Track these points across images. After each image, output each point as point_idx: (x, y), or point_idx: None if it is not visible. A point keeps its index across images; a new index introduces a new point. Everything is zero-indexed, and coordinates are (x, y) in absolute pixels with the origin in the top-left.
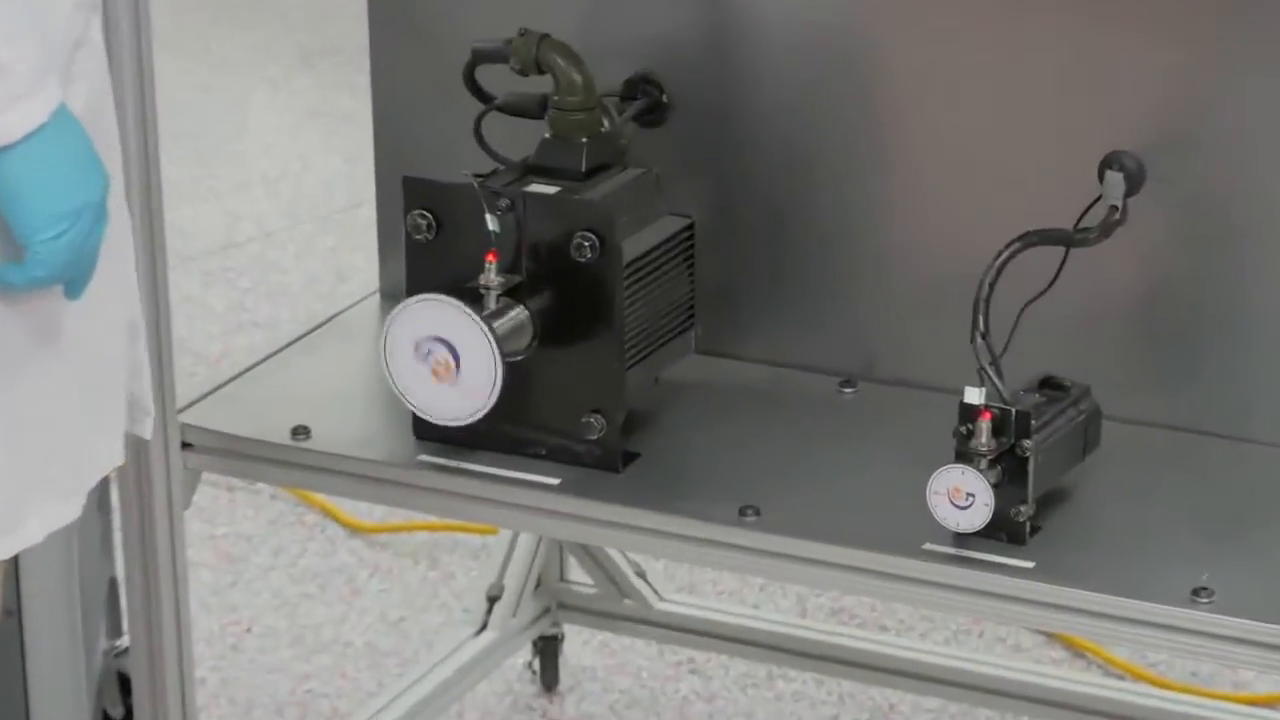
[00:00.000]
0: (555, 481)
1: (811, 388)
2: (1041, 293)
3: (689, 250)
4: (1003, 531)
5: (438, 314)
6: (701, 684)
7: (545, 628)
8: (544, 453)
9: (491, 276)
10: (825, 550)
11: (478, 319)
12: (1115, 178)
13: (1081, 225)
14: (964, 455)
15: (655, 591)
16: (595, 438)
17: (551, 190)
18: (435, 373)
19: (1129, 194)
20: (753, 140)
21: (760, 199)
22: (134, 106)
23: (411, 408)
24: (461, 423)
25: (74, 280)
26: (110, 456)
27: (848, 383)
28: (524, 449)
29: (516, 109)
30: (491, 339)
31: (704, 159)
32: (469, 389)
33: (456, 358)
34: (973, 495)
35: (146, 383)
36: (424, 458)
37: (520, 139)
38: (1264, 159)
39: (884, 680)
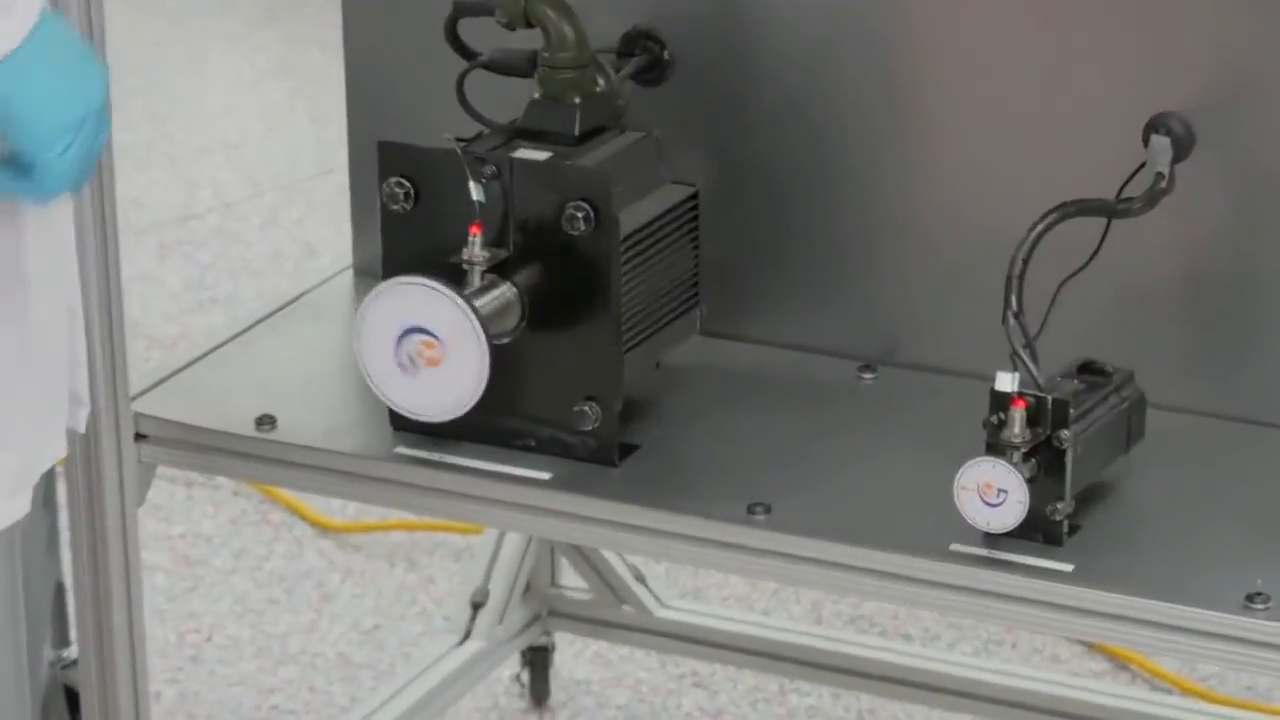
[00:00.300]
0: (546, 476)
1: (827, 373)
2: (1080, 268)
3: (692, 222)
4: (1038, 531)
5: (415, 299)
6: (707, 699)
7: (535, 637)
8: (533, 445)
9: (475, 251)
10: (842, 551)
11: (460, 301)
12: (1161, 142)
13: (1124, 194)
14: (995, 447)
15: (655, 597)
16: (590, 428)
17: (541, 156)
18: (415, 365)
19: (1176, 160)
20: (762, 101)
21: (771, 165)
22: None
23: (392, 405)
24: (446, 417)
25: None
26: (55, 448)
27: (867, 367)
28: (511, 441)
29: (503, 67)
30: (476, 323)
31: (709, 121)
32: (453, 380)
33: (440, 348)
34: (1005, 491)
35: (83, 371)
36: (401, 450)
37: (507, 100)
38: None
39: (907, 694)
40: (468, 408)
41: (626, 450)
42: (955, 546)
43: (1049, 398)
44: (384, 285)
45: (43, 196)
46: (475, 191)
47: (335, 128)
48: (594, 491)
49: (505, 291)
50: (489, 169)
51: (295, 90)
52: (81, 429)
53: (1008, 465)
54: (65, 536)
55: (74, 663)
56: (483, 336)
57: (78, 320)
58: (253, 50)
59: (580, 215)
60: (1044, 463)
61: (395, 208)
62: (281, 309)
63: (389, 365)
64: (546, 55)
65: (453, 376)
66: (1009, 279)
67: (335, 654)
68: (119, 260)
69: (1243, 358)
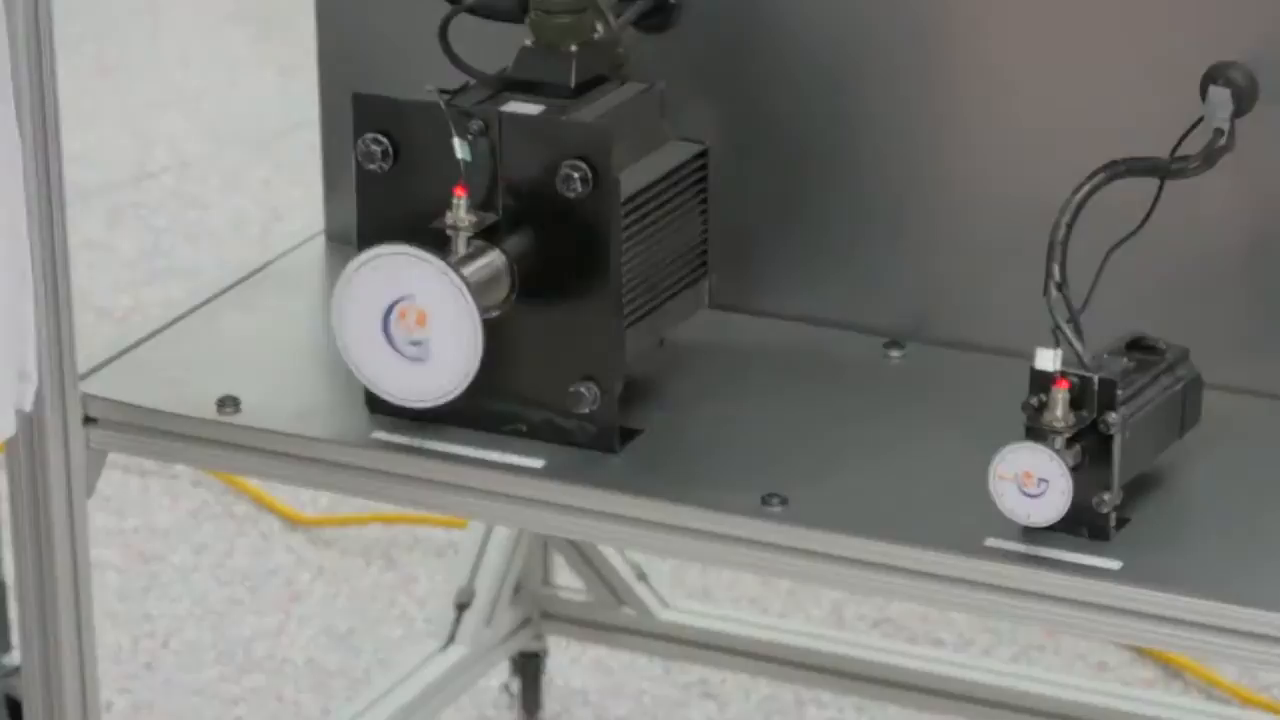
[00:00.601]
0: (539, 464)
1: (850, 350)
2: (1130, 234)
3: (701, 183)
4: (1082, 525)
5: (397, 271)
6: (716, 710)
7: (526, 641)
8: (525, 429)
9: (461, 215)
10: (866, 547)
11: (449, 268)
12: (1221, 94)
13: (1179, 152)
14: (1036, 432)
15: (659, 598)
16: (587, 411)
17: (533, 110)
18: (399, 344)
19: (1237, 114)
20: (778, 49)
21: (788, 121)
22: (24, 4)
23: (378, 391)
24: (435, 403)
25: None
26: (3, 425)
27: (894, 344)
28: (501, 425)
29: (491, 10)
30: (464, 289)
31: (719, 72)
32: (440, 355)
33: (425, 326)
34: (1046, 481)
35: (30, 344)
36: (379, 435)
37: (496, 48)
38: None
39: (938, 705)
40: (460, 390)
41: (628, 435)
42: (991, 542)
43: (1095, 377)
44: (364, 256)
45: None
46: (460, 149)
47: (305, 79)
48: (592, 481)
49: (493, 260)
50: (475, 124)
51: (260, 36)
52: (27, 407)
53: (1049, 452)
54: (6, 531)
55: (16, 670)
56: (475, 310)
57: (26, 287)
58: None
59: (576, 175)
60: (1089, 449)
61: (372, 167)
62: (245, 279)
63: (373, 347)
64: None
65: (440, 356)
66: (1051, 246)
67: (305, 660)
68: (65, 225)
69: None
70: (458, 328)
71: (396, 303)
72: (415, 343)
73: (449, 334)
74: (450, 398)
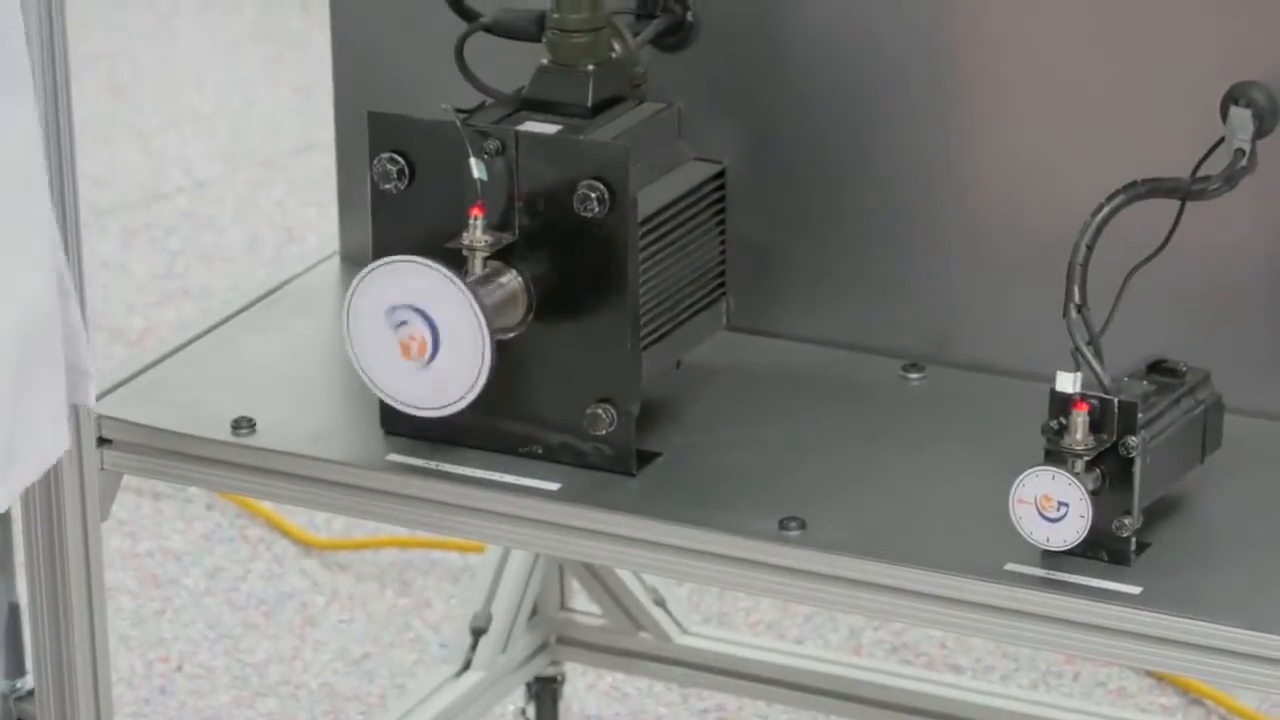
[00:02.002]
0: (555, 487)
1: (869, 372)
2: (1151, 256)
3: (719, 203)
4: (1102, 549)
5: (412, 280)
6: None
7: (542, 667)
8: (541, 452)
9: (477, 235)
10: (884, 571)
11: (460, 285)
12: (1242, 115)
13: (1201, 173)
14: (1055, 456)
15: (676, 623)
16: (604, 433)
17: (550, 129)
18: (408, 351)
19: (1259, 135)
20: (797, 68)
21: (806, 140)
22: (38, 24)
23: (380, 394)
24: (441, 412)
25: None
26: (56, 440)
27: (913, 366)
28: (517, 447)
29: (508, 29)
30: (477, 308)
31: (737, 91)
32: (450, 371)
33: (435, 333)
34: (1066, 505)
35: (83, 343)
36: (394, 457)
37: (513, 67)
38: None
39: None
40: (465, 404)
41: (645, 458)
42: (1010, 566)
43: (1115, 400)
44: (381, 263)
45: None
46: (476, 169)
47: (320, 98)
48: (608, 504)
49: (510, 280)
50: (492, 144)
51: (275, 56)
52: (91, 402)
53: (1069, 475)
54: (19, 555)
55: (30, 694)
56: (483, 322)
57: (68, 289)
58: (227, 11)
59: (593, 195)
60: (1109, 473)
61: (387, 187)
62: (259, 301)
63: (379, 344)
64: (556, 16)
65: (449, 368)
66: (1071, 268)
67: (319, 685)
68: (79, 246)
69: None
70: (469, 345)
71: (409, 311)
72: (426, 351)
73: (460, 351)
74: (462, 405)
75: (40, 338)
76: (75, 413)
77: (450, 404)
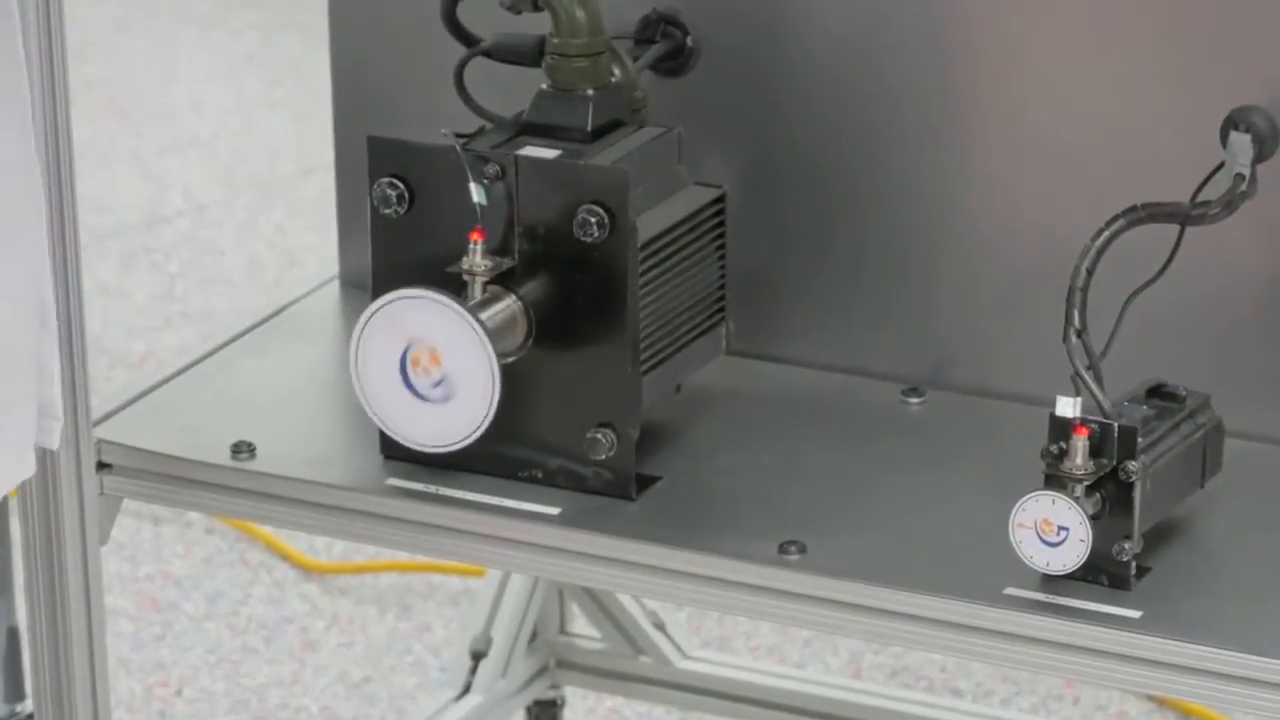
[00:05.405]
0: (555, 511)
1: (869, 397)
2: (1151, 280)
3: (719, 228)
4: (1103, 573)
5: (418, 315)
6: None
7: (542, 691)
8: (541, 476)
9: (477, 260)
10: (884, 595)
11: (465, 313)
12: (1242, 140)
13: (1200, 198)
14: (1055, 480)
15: (677, 647)
16: (604, 457)
17: (550, 154)
18: (419, 388)
19: (1259, 160)
20: (797, 93)
21: (806, 165)
22: (37, 47)
23: (397, 437)
24: (454, 447)
25: None
26: (20, 467)
27: (913, 391)
28: (517, 471)
29: (507, 54)
30: (484, 336)
31: (737, 116)
32: (459, 404)
33: (442, 369)
34: (1066, 529)
35: (56, 381)
36: (394, 482)
37: (512, 91)
38: None
39: None
40: (479, 433)
41: (645, 482)
42: (1010, 590)
43: (1115, 425)
44: (381, 300)
45: None
46: (476, 193)
47: (319, 123)
48: (608, 528)
49: (510, 305)
50: (492, 168)
51: (274, 80)
52: (55, 445)
53: (1069, 500)
54: (18, 578)
55: (29, 718)
56: (492, 354)
57: (50, 319)
58: (227, 36)
59: (593, 220)
60: (1109, 497)
61: (387, 211)
62: (259, 325)
63: (392, 392)
64: (556, 41)
65: (458, 400)
66: (1071, 292)
67: (320, 709)
68: (79, 269)
69: None
70: (475, 372)
71: (411, 348)
72: (436, 384)
73: (466, 378)
74: (469, 442)
75: (7, 365)
76: (75, 436)
77: (464, 437)
